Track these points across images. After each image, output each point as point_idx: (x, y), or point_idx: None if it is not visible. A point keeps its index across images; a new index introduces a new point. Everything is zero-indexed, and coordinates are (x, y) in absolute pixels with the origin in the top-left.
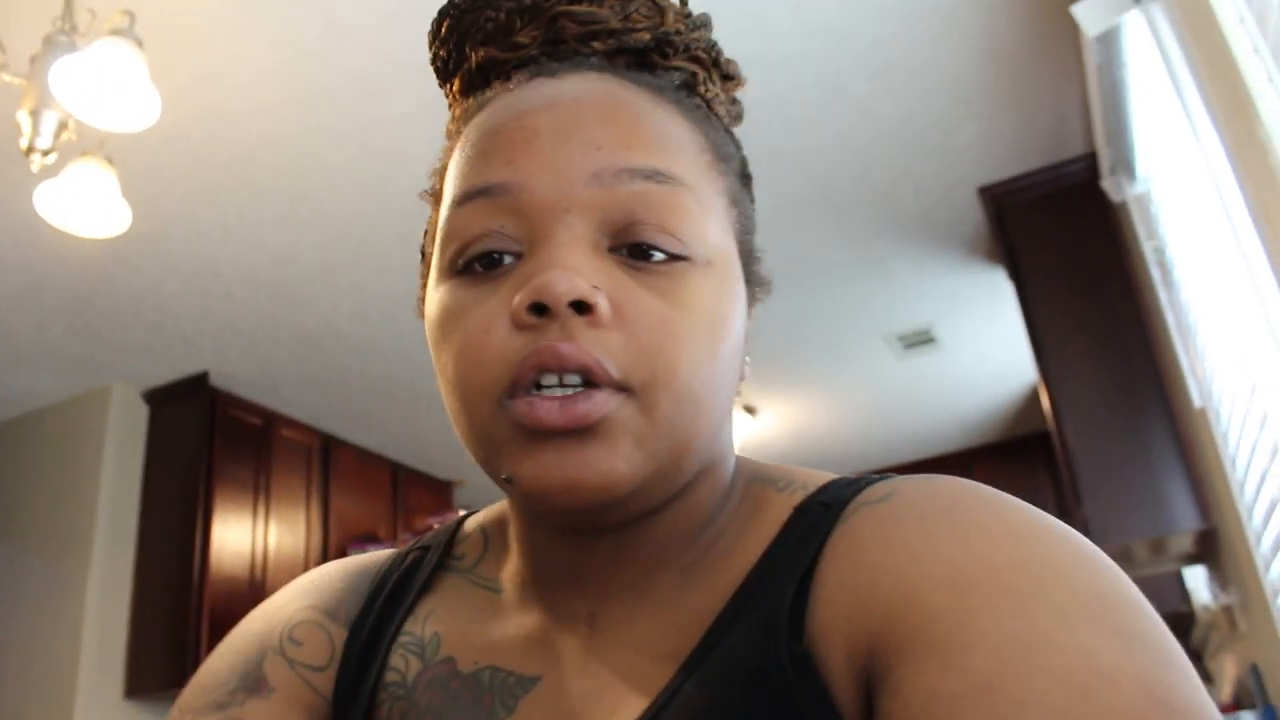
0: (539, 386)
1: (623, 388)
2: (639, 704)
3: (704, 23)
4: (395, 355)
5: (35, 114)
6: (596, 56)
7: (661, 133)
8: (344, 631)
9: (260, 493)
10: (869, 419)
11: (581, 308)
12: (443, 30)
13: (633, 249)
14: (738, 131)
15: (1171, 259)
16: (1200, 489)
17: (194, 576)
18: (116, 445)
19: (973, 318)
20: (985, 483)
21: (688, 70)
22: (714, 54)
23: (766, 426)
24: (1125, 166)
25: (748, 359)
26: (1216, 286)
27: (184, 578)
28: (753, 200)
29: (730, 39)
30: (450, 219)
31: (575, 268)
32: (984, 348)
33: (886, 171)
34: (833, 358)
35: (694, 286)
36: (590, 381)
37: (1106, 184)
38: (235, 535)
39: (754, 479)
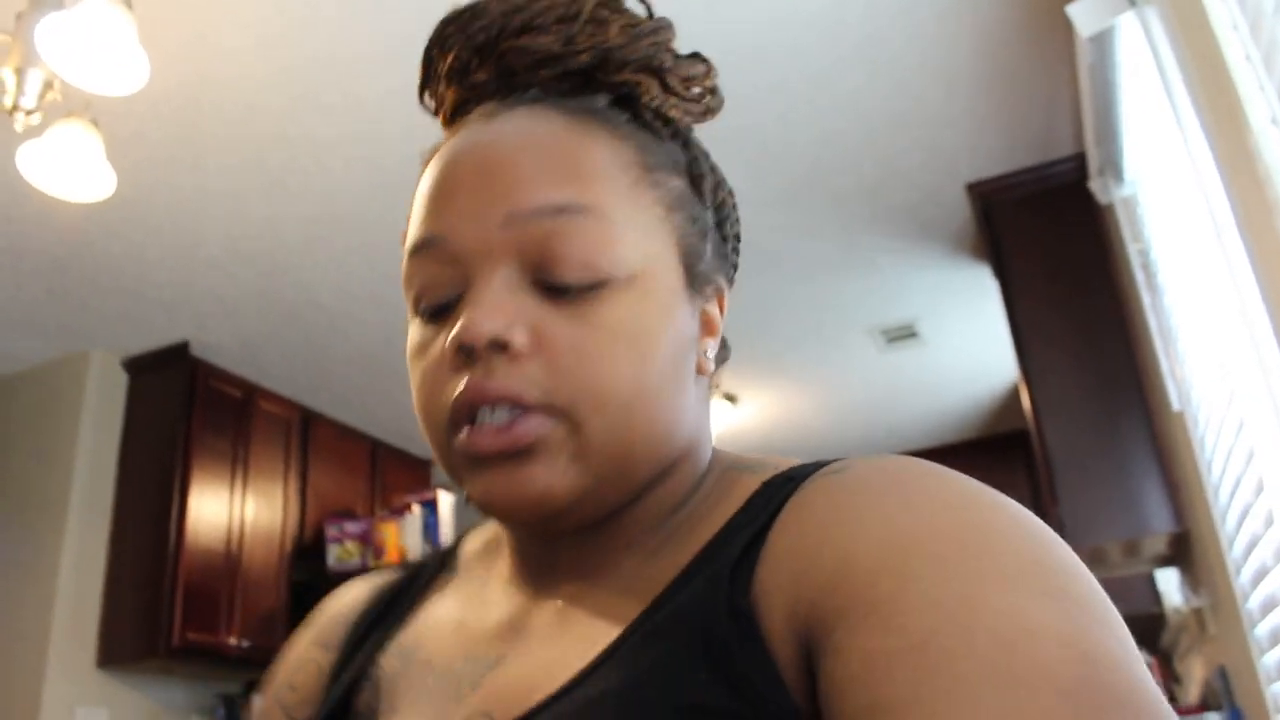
0: (477, 419)
1: (551, 410)
2: (589, 660)
3: (652, 29)
4: (377, 331)
5: (20, 72)
6: (540, 86)
7: (573, 164)
8: (335, 656)
9: (238, 465)
10: (850, 411)
11: (502, 345)
12: (422, 74)
13: (550, 282)
14: (725, 125)
15: (1156, 262)
16: (1175, 492)
17: (169, 547)
18: (94, 412)
19: (956, 314)
20: None
21: (631, 83)
22: (657, 63)
23: (747, 416)
24: (1113, 168)
25: (708, 353)
26: (1199, 292)
27: (159, 548)
28: (704, 198)
29: (722, 29)
30: (406, 268)
31: (494, 307)
32: (966, 344)
33: (875, 165)
34: (815, 349)
35: (613, 307)
36: (523, 408)
37: (1094, 185)
38: (212, 507)
39: (731, 467)
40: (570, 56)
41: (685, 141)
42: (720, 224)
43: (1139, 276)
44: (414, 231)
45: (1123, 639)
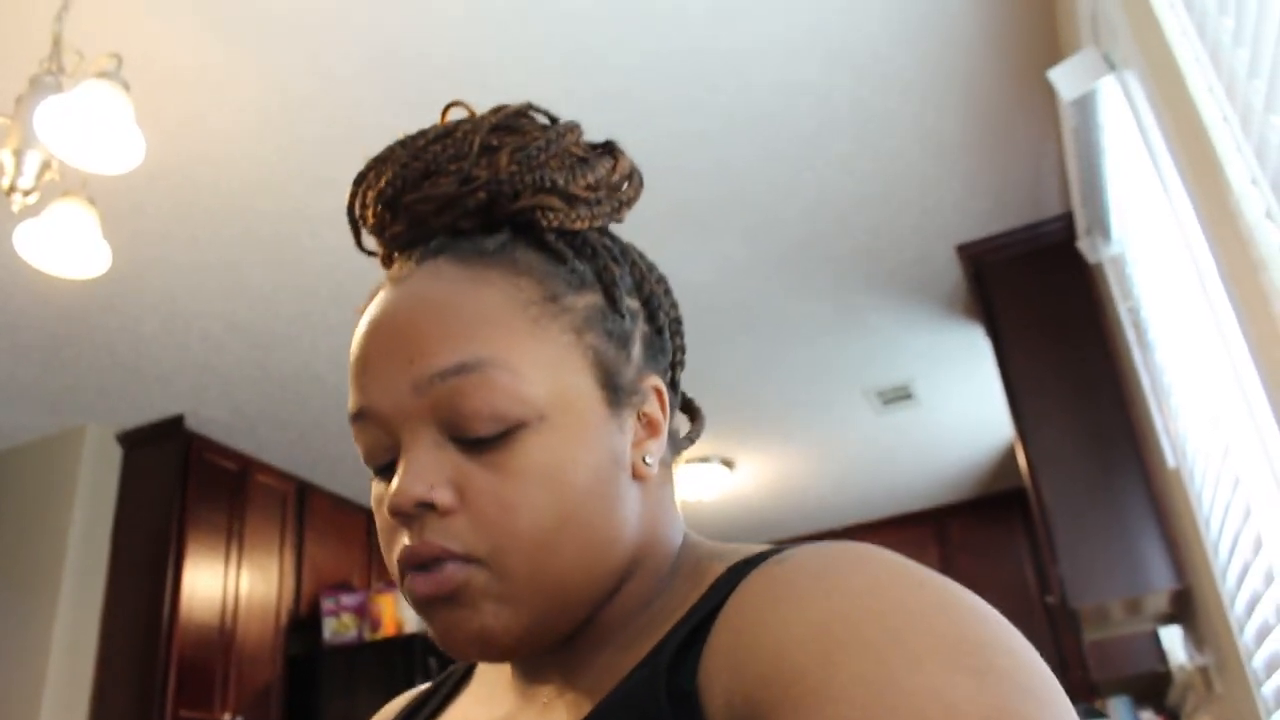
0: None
1: (473, 559)
2: None
3: (544, 146)
4: None
5: (18, 154)
6: (446, 230)
7: (467, 320)
8: None
9: (234, 538)
10: (846, 474)
11: (428, 506)
12: (352, 230)
13: (465, 437)
14: (718, 192)
15: (1146, 320)
16: (1175, 549)
17: (163, 622)
18: (89, 486)
19: (951, 374)
20: (962, 539)
21: (528, 209)
22: (549, 183)
23: (744, 480)
24: (1101, 227)
25: (647, 458)
26: (1189, 348)
27: (153, 623)
28: (620, 306)
29: (715, 97)
30: (352, 432)
31: (417, 474)
32: (962, 404)
33: (866, 228)
34: (811, 412)
35: (527, 449)
36: (451, 559)
37: (1082, 244)
38: (207, 581)
39: (705, 558)
40: (467, 196)
41: (593, 251)
42: (652, 316)
43: (1130, 334)
44: (349, 400)
45: (1050, 709)
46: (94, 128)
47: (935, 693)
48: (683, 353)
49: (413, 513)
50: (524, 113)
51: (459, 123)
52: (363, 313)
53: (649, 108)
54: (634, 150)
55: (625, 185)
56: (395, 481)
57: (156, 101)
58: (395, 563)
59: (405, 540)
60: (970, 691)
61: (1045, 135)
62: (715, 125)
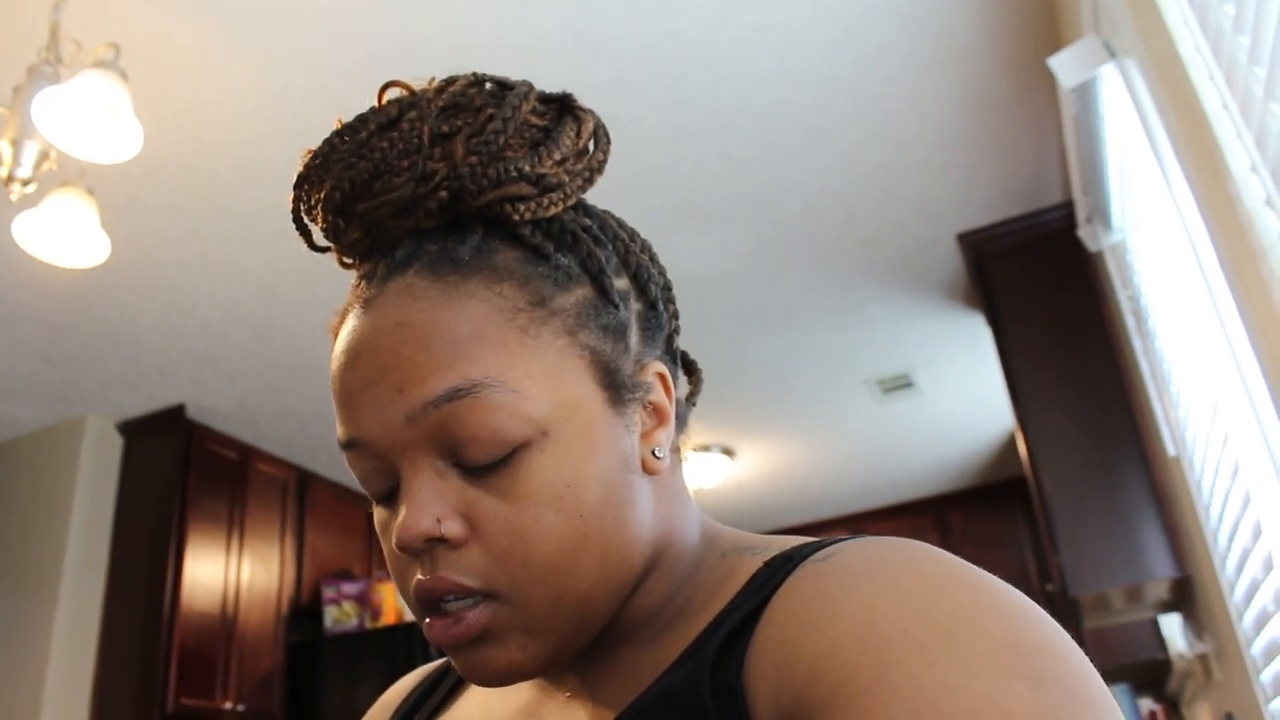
0: (436, 607)
1: (494, 594)
2: None
3: (500, 129)
4: None
5: (16, 144)
6: (410, 233)
7: (453, 339)
8: None
9: (235, 527)
10: (847, 462)
11: (438, 539)
12: (302, 237)
13: (467, 464)
14: (723, 182)
15: (1146, 308)
16: (1175, 537)
17: (164, 611)
18: (89, 477)
19: (951, 363)
20: (963, 527)
21: (496, 204)
22: (516, 171)
23: (745, 468)
24: (1101, 216)
25: (657, 451)
26: (1189, 336)
27: (154, 612)
28: (610, 292)
29: (719, 89)
30: (345, 458)
31: (424, 505)
32: (962, 393)
33: (867, 217)
34: (812, 401)
35: (533, 469)
36: (469, 594)
37: (1083, 233)
38: (208, 570)
39: (732, 550)
40: (427, 198)
41: (574, 238)
42: (643, 291)
43: (1130, 322)
44: (337, 426)
45: (1104, 716)
46: (92, 117)
47: (990, 699)
48: (677, 318)
49: (422, 548)
50: (472, 84)
51: (402, 108)
52: (334, 332)
53: (651, 98)
54: (635, 141)
55: (593, 147)
56: (401, 516)
57: (154, 91)
58: (409, 595)
59: (418, 574)
60: (1026, 699)
61: (1046, 124)
62: (717, 116)
